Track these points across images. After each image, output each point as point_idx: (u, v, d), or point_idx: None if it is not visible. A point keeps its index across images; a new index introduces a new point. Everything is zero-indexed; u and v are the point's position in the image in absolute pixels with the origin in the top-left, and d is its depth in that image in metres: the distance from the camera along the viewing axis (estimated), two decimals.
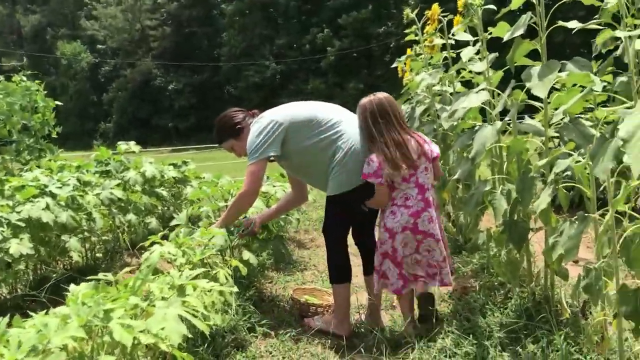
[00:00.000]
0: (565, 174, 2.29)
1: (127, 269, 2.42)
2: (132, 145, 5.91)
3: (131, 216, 5.00)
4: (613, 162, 1.57)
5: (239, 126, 3.23)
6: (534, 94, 2.21)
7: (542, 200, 2.18)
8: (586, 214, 1.97)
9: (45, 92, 6.80)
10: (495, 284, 3.32)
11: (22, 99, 6.30)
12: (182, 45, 47.52)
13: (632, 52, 1.90)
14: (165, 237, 3.46)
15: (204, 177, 7.04)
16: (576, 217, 2.01)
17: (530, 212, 2.57)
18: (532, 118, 3.36)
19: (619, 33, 1.85)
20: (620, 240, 1.88)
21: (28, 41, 56.22)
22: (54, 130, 6.66)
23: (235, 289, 2.70)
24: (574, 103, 2.04)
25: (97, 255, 4.76)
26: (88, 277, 2.04)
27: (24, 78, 6.53)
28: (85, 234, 4.36)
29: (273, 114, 3.14)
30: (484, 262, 3.65)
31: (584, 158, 2.08)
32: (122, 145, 5.85)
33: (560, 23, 2.39)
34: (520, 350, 2.52)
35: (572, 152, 2.13)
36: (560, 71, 2.34)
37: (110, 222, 4.84)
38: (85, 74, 51.24)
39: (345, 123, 3.12)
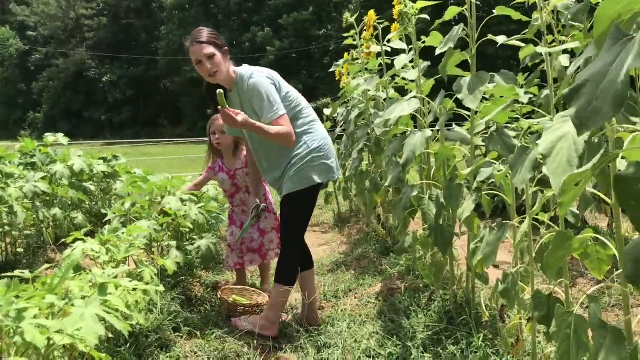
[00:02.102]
0: (491, 181, 2.38)
1: (47, 266, 2.32)
2: (60, 137, 5.70)
3: (56, 210, 4.82)
4: (531, 173, 1.65)
5: (226, 48, 3.05)
6: (466, 105, 2.28)
7: (466, 208, 2.26)
8: (504, 222, 2.05)
9: None
10: (421, 286, 3.40)
11: None
12: (119, 37, 46.24)
13: (550, 68, 1.99)
14: (91, 233, 3.37)
15: (134, 173, 6.88)
16: (496, 224, 2.10)
17: (456, 217, 2.65)
18: (462, 126, 3.48)
19: (539, 49, 1.94)
20: (537, 247, 1.97)
21: None
22: None
23: (161, 288, 2.66)
24: (497, 114, 2.12)
25: (19, 250, 4.56)
26: (2, 275, 1.96)
27: None
28: (6, 228, 4.17)
29: (262, 71, 3.07)
30: (411, 264, 3.73)
31: (506, 167, 2.17)
32: (49, 137, 5.63)
33: (490, 37, 2.48)
34: (442, 351, 2.59)
35: (495, 162, 2.21)
36: (489, 83, 2.43)
37: (34, 216, 4.64)
38: (14, 61, 49.04)
39: (319, 123, 3.17)
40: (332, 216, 6.89)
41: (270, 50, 38.77)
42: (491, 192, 2.32)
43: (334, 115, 6.36)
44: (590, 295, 1.37)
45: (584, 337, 1.35)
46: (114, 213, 3.46)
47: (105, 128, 43.29)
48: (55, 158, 5.39)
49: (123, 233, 2.72)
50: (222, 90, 2.82)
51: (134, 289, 2.13)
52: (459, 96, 2.39)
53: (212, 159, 3.98)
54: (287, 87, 3.12)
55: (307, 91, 34.32)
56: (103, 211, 5.99)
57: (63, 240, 2.97)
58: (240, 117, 2.80)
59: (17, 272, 1.98)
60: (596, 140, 1.32)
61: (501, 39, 2.43)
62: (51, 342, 1.54)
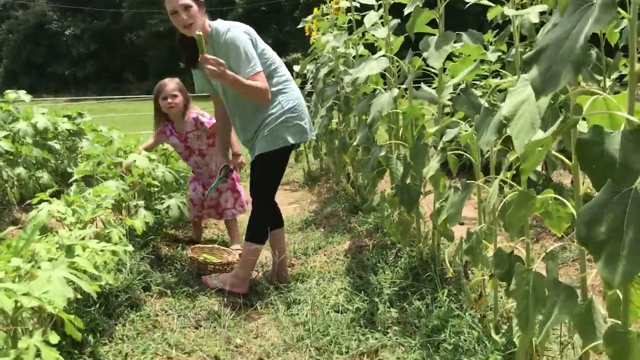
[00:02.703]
0: (458, 140, 2.41)
1: (12, 227, 2.30)
2: (22, 94, 5.53)
3: (20, 170, 4.73)
4: (496, 135, 1.67)
5: (203, 0, 2.97)
6: (429, 64, 2.29)
7: (432, 167, 2.29)
8: (469, 182, 2.09)
9: None
10: (388, 243, 3.47)
11: None
12: None
13: (516, 30, 2.00)
14: (57, 194, 3.32)
15: (100, 130, 6.75)
16: (460, 184, 2.14)
17: (422, 176, 2.69)
18: (430, 86, 3.49)
19: (507, 11, 1.94)
20: (500, 206, 2.02)
21: None
22: None
23: (130, 248, 2.65)
24: (464, 76, 2.13)
25: None
26: None
27: None
28: None
29: (239, 26, 3.02)
30: (379, 222, 3.79)
31: (472, 128, 2.20)
32: (10, 94, 5.46)
33: None
34: (407, 306, 2.67)
35: (461, 122, 2.24)
36: (456, 42, 2.43)
37: None
38: None
39: (293, 83, 3.15)
40: (302, 174, 6.91)
41: (239, 3, 37.90)
42: (457, 151, 2.35)
43: (304, 72, 6.31)
44: (548, 253, 1.42)
45: (542, 294, 1.41)
46: (79, 173, 3.40)
47: (69, 83, 42.08)
48: (17, 116, 5.25)
49: (89, 194, 2.69)
50: (201, 34, 2.77)
51: (102, 250, 2.12)
52: (424, 54, 2.39)
53: (160, 124, 3.95)
54: (262, 45, 3.08)
55: (278, 45, 33.73)
56: (69, 170, 5.89)
57: (29, 201, 2.92)
58: (223, 68, 2.74)
59: None
60: (559, 104, 1.35)
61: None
62: (18, 304, 1.54)
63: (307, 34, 6.00)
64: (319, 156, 6.60)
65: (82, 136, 6.32)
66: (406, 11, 2.56)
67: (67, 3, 43.02)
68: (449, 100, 2.53)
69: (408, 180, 2.74)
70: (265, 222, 3.18)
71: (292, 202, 5.66)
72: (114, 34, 42.38)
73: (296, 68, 6.04)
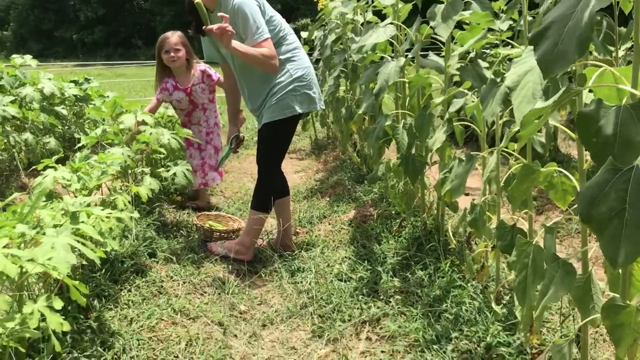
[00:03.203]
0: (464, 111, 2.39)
1: (18, 194, 2.31)
2: (29, 59, 5.51)
3: (28, 135, 4.75)
4: (501, 106, 1.65)
5: None
6: (437, 33, 2.25)
7: (437, 138, 2.27)
8: (473, 154, 2.07)
9: None
10: (392, 213, 3.47)
11: None
12: None
13: (526, 15, 1.95)
14: (63, 160, 3.34)
15: (107, 96, 6.74)
16: (465, 155, 2.12)
17: (428, 146, 2.68)
18: (439, 54, 3.44)
19: None
20: (504, 178, 2.01)
21: None
22: None
23: (136, 215, 2.68)
24: (471, 45, 2.10)
25: None
26: None
27: None
28: None
29: None
30: (383, 192, 3.79)
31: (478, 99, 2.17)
32: (17, 59, 5.45)
33: None
34: (410, 276, 2.69)
35: (468, 92, 2.21)
36: (464, 10, 2.39)
37: (5, 141, 4.56)
38: None
39: (302, 51, 3.12)
40: (309, 143, 6.90)
41: None
42: (463, 122, 2.33)
43: (312, 39, 6.24)
44: (547, 226, 1.42)
45: (541, 267, 1.41)
46: (88, 140, 3.41)
47: (77, 48, 41.90)
48: (24, 81, 5.24)
49: (95, 160, 2.69)
50: (200, 2, 2.75)
51: (107, 217, 2.14)
52: (432, 24, 2.35)
53: (163, 80, 3.97)
54: (271, 11, 3.04)
55: (287, 11, 33.32)
56: (76, 136, 5.91)
57: (35, 167, 2.93)
58: (230, 34, 2.71)
59: None
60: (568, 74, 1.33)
61: None
62: (24, 270, 1.56)
63: (315, 0, 5.92)
64: (326, 125, 6.57)
65: (89, 102, 6.32)
66: None
67: None
68: (456, 70, 2.50)
69: (413, 151, 2.72)
70: (271, 191, 3.19)
71: (298, 171, 5.66)
72: None
73: (304, 35, 5.97)
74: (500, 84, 1.66)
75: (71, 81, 6.29)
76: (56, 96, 5.48)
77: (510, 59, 2.96)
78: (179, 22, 36.65)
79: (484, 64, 2.33)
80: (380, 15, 4.28)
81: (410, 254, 2.85)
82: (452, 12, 2.26)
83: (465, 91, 2.26)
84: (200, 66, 3.97)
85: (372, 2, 4.12)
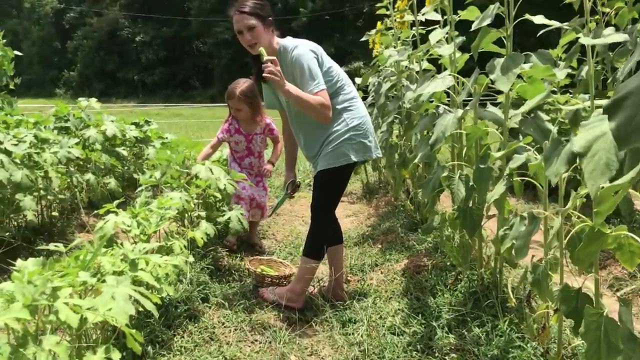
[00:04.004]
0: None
1: (79, 240, 2.38)
2: (93, 102, 5.76)
3: (90, 176, 4.92)
4: (566, 167, 1.60)
5: (270, 19, 2.99)
6: (497, 87, 2.23)
7: (496, 192, 2.22)
8: (536, 213, 2.01)
9: (5, 40, 6.54)
10: (447, 264, 3.40)
11: None
12: None
13: (591, 57, 1.90)
14: (124, 203, 3.42)
15: (166, 138, 6.95)
16: (526, 213, 2.06)
17: (485, 199, 2.62)
18: (495, 105, 3.40)
19: (582, 40, 1.85)
20: (568, 237, 1.94)
21: None
22: (12, 81, 6.42)
23: (191, 259, 2.71)
24: (535, 104, 2.06)
25: (54, 213, 4.67)
26: (38, 247, 2.01)
27: None
28: (41, 192, 4.27)
29: (306, 44, 3.03)
30: (438, 241, 3.72)
31: (539, 153, 2.13)
32: (82, 102, 5.70)
33: (527, 16, 2.40)
34: (466, 333, 2.60)
35: (529, 147, 2.17)
36: (524, 62, 2.36)
37: (68, 180, 4.74)
38: (50, 19, 49.50)
39: (360, 101, 3.16)
40: (360, 186, 6.89)
41: (303, 12, 38.31)
42: (523, 177, 2.27)
43: (366, 84, 6.29)
44: (623, 300, 1.35)
45: (615, 343, 1.33)
46: (145, 184, 3.50)
47: (138, 88, 43.61)
48: (88, 123, 5.47)
49: (154, 206, 2.75)
50: (262, 49, 2.83)
51: (164, 264, 2.17)
52: (491, 77, 2.33)
53: (230, 120, 4.22)
54: (329, 62, 3.09)
55: (340, 54, 33.87)
56: (135, 176, 6.09)
57: (97, 211, 3.01)
58: (282, 79, 2.78)
59: (52, 246, 2.03)
60: None
61: (539, 19, 2.35)
62: (84, 318, 1.58)
63: (370, 46, 5.99)
64: (377, 169, 6.57)
65: (149, 143, 6.53)
66: (474, 26, 2.51)
67: (138, 11, 44.66)
68: (516, 122, 2.46)
69: (470, 203, 2.67)
70: (324, 238, 3.18)
71: (349, 215, 5.64)
72: (182, 41, 43.61)
73: (358, 80, 6.02)
74: (565, 143, 1.61)
75: (132, 123, 6.53)
76: (118, 138, 5.69)
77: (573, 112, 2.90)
78: (235, 64, 37.80)
79: (545, 117, 2.28)
80: (436, 63, 4.29)
81: (466, 310, 2.77)
82: (512, 65, 2.24)
83: (526, 146, 2.22)
84: (267, 119, 4.19)
85: (428, 51, 4.14)
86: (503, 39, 2.48)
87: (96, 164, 5.26)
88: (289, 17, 38.32)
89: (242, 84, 4.03)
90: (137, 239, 2.44)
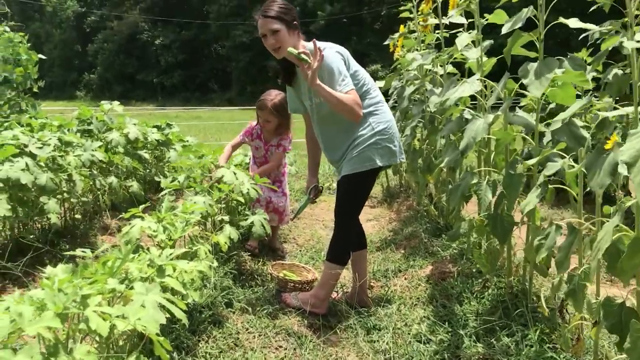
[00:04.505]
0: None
1: (106, 246, 2.37)
2: (116, 105, 5.78)
3: (112, 179, 4.94)
4: (610, 178, 1.55)
5: (295, 22, 2.96)
6: (530, 92, 2.18)
7: (530, 201, 2.16)
8: (574, 224, 1.96)
9: (29, 44, 6.60)
10: (474, 271, 3.34)
11: (4, 50, 6.11)
12: (172, 0, 46.52)
13: (636, 63, 1.83)
14: (149, 207, 3.43)
15: (187, 141, 6.97)
16: (564, 223, 2.01)
17: (514, 206, 2.57)
18: (521, 107, 3.35)
19: (626, 44, 1.78)
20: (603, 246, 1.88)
21: None
22: (35, 84, 6.49)
23: (215, 264, 2.70)
24: (573, 112, 2.01)
25: (76, 216, 4.69)
26: (64, 252, 2.00)
27: (7, 29, 6.32)
28: (65, 195, 4.29)
29: (332, 46, 3.01)
30: (464, 247, 3.66)
31: (574, 161, 2.07)
32: (105, 105, 5.73)
33: (561, 20, 2.35)
34: (495, 342, 2.55)
35: (564, 155, 2.11)
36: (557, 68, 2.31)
37: (91, 183, 4.76)
38: (71, 23, 50.15)
39: (385, 105, 3.13)
40: (381, 190, 6.84)
41: (321, 15, 38.35)
42: (556, 185, 2.22)
43: (388, 88, 6.24)
44: None
45: None
46: (167, 187, 3.50)
47: (157, 91, 43.99)
48: (111, 126, 5.49)
49: (179, 210, 2.74)
50: (292, 49, 2.84)
51: (190, 270, 2.15)
52: (524, 82, 2.28)
53: (255, 124, 4.25)
54: (355, 66, 3.07)
55: (358, 57, 33.47)
56: (156, 179, 6.11)
57: (120, 215, 3.00)
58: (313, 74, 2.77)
59: (79, 251, 2.02)
60: None
61: (574, 23, 2.30)
62: (113, 326, 1.57)
63: (391, 50, 5.94)
64: (398, 172, 6.51)
65: (170, 146, 6.55)
66: (505, 31, 2.46)
67: (158, 14, 45.05)
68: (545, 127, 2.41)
69: (499, 210, 2.62)
70: (348, 244, 3.15)
71: (370, 219, 5.60)
72: (201, 45, 43.90)
73: (380, 84, 5.97)
74: (608, 152, 1.56)
75: (154, 126, 6.55)
76: (140, 140, 5.71)
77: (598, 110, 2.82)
78: (253, 67, 37.95)
79: (579, 123, 2.23)
80: (460, 66, 4.24)
81: (494, 318, 2.71)
82: (545, 70, 2.19)
83: (559, 153, 2.16)
84: (286, 138, 4.21)
85: (452, 55, 4.09)
86: (536, 42, 2.43)
87: (119, 167, 5.29)
88: (307, 20, 38.37)
89: (274, 96, 4.00)
90: (163, 244, 2.43)
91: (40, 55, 6.53)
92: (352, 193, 3.09)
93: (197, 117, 24.28)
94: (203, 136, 14.75)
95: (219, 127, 17.98)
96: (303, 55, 2.79)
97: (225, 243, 3.00)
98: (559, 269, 1.98)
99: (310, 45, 2.97)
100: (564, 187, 2.15)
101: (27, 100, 6.39)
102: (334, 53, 2.93)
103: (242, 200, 3.44)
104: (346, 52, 3.05)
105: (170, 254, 2.14)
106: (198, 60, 44.09)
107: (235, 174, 3.49)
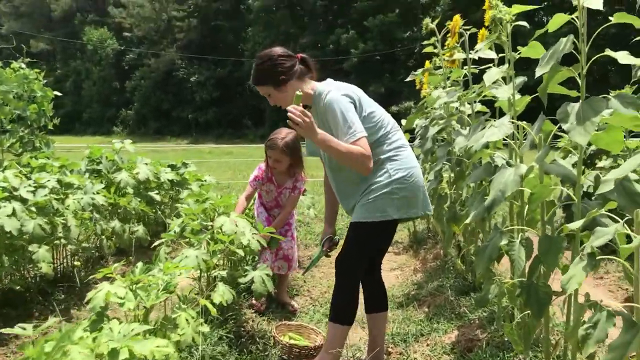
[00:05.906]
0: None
1: (53, 321, 2.02)
2: (127, 144, 5.55)
3: (115, 223, 4.65)
4: None
5: (282, 77, 2.68)
6: (573, 139, 1.77)
7: (574, 276, 1.71)
8: (634, 322, 1.52)
9: (46, 80, 6.47)
10: (506, 340, 2.88)
11: (18, 87, 5.97)
12: (207, 38, 47.56)
13: None
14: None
15: (204, 180, 6.67)
16: (616, 307, 1.58)
17: (551, 273, 2.15)
18: (557, 149, 2.92)
19: None
20: None
21: (57, 25, 56.64)
22: (50, 121, 6.32)
23: (205, 329, 2.34)
24: (629, 169, 1.60)
25: (76, 263, 4.39)
26: (3, 330, 1.66)
27: (23, 66, 6.20)
28: (62, 241, 4.00)
29: (341, 87, 2.72)
30: (494, 310, 3.21)
31: (627, 224, 1.65)
32: (116, 144, 5.50)
33: (608, 52, 1.95)
34: None
35: (614, 217, 1.69)
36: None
37: (92, 228, 4.47)
38: (110, 61, 51.64)
39: (408, 150, 2.78)
40: (407, 235, 6.40)
41: (354, 53, 38.45)
42: (606, 256, 1.79)
43: (412, 127, 5.86)
44: None
45: None
46: (165, 237, 3.17)
47: (191, 127, 44.57)
48: (120, 166, 5.25)
49: (160, 270, 2.39)
50: (300, 92, 2.57)
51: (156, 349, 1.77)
52: (565, 127, 1.88)
53: (265, 167, 3.92)
54: (370, 107, 2.71)
55: (390, 95, 33.60)
56: (168, 221, 5.80)
57: (121, 261, 2.67)
58: (310, 123, 2.46)
59: (17, 329, 1.68)
60: None
61: (623, 57, 1.90)
62: None
63: (417, 87, 5.59)
64: (426, 217, 6.08)
65: (185, 186, 6.27)
66: (539, 72, 2.07)
67: (194, 52, 45.93)
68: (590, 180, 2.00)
69: (534, 278, 2.18)
70: (350, 299, 2.74)
71: (394, 268, 5.16)
72: (235, 82, 44.45)
73: (403, 122, 5.59)
74: None
75: (168, 165, 6.29)
76: (152, 181, 5.44)
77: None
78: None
79: (633, 176, 1.81)
80: (490, 105, 3.84)
81: None
82: (591, 113, 1.78)
83: (609, 214, 1.74)
84: (300, 179, 3.91)
85: (481, 91, 3.70)
86: (577, 79, 2.04)
87: (126, 209, 5.01)
88: (341, 57, 38.54)
89: (285, 135, 3.65)
90: (132, 312, 2.07)
91: (55, 92, 6.39)
92: (357, 243, 2.72)
93: (229, 152, 24.28)
94: (232, 173, 14.55)
95: (250, 164, 17.78)
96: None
97: (220, 302, 2.64)
98: None
99: (320, 87, 2.67)
100: (616, 259, 1.72)
101: (41, 138, 6.22)
102: (339, 96, 2.59)
103: (242, 254, 3.08)
104: (358, 93, 2.71)
105: (132, 331, 1.77)
106: (232, 97, 44.65)
107: (235, 222, 3.13)
